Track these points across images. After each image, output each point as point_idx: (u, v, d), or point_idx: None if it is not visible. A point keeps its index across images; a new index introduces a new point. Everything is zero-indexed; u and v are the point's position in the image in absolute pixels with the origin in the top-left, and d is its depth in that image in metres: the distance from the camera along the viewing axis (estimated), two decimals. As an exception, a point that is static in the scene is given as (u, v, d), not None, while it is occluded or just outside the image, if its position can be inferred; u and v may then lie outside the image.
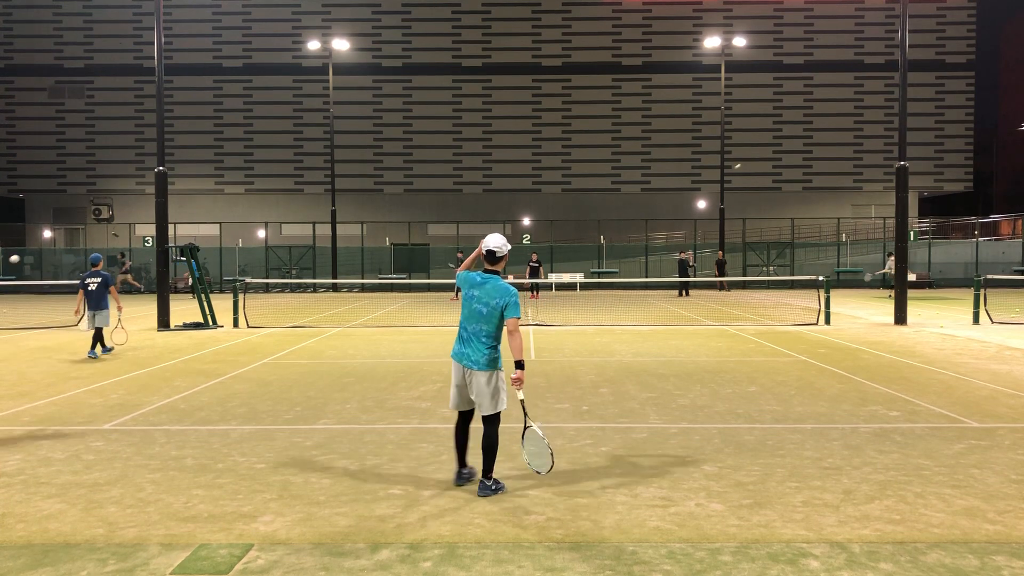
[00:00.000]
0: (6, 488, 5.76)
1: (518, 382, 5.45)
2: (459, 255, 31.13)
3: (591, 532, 4.80)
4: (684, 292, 30.65)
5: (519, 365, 5.44)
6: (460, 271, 5.92)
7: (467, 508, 5.26)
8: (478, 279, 5.61)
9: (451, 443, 6.86)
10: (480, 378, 5.48)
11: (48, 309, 24.27)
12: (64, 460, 6.51)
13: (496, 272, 5.66)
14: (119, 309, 13.74)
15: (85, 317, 14.10)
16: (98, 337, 13.07)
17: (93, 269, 13.60)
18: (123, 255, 34.53)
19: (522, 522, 4.97)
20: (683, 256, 30.93)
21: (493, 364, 5.50)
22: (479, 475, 5.67)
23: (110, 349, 13.53)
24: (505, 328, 5.49)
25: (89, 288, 13.31)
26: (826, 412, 8.22)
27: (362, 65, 45.26)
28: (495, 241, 5.69)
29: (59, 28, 45.79)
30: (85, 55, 45.88)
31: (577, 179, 46.05)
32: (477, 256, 5.93)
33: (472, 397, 5.57)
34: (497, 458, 6.46)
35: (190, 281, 24.10)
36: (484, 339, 5.49)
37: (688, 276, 30.05)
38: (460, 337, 5.62)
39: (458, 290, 5.72)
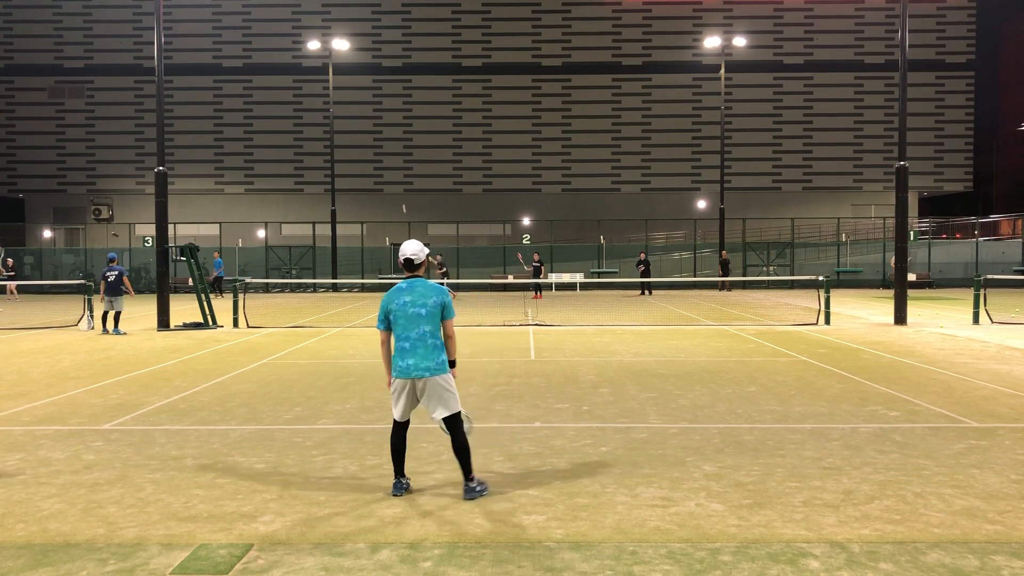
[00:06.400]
0: (6, 488, 5.76)
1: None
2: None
3: (591, 532, 4.80)
4: (650, 291, 31.60)
5: (452, 364, 5.53)
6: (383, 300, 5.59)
7: (467, 508, 5.25)
8: (404, 286, 5.49)
9: (451, 442, 6.87)
10: (435, 383, 5.36)
11: (48, 309, 24.27)
12: (64, 460, 6.51)
13: (418, 277, 5.57)
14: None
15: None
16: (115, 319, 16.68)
17: (111, 264, 16.93)
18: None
19: (522, 522, 4.97)
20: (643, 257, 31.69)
21: (443, 366, 5.42)
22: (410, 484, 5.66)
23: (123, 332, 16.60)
24: (443, 330, 5.48)
25: (109, 279, 16.60)
26: (826, 412, 8.22)
27: (362, 65, 45.26)
28: (411, 248, 5.57)
29: (59, 28, 45.79)
30: (85, 55, 45.88)
31: (577, 179, 46.05)
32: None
33: (425, 405, 5.43)
34: (496, 457, 6.47)
35: (191, 279, 24.42)
36: (430, 341, 5.38)
37: (648, 276, 30.69)
38: (402, 350, 5.40)
39: (388, 327, 5.51)
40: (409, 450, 6.73)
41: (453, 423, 5.44)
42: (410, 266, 5.55)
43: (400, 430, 5.59)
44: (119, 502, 5.42)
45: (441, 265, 29.58)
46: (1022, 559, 4.38)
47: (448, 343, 5.50)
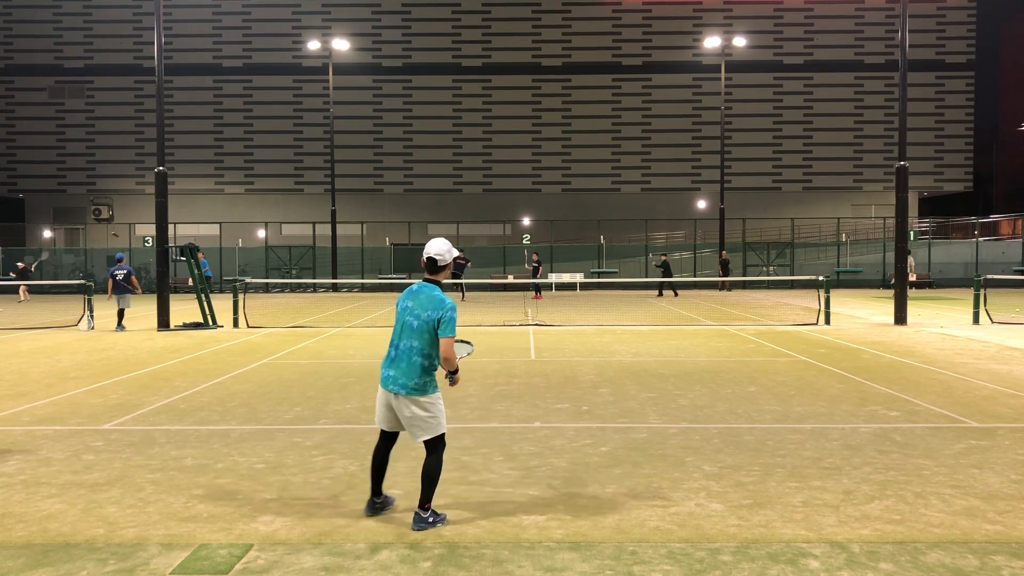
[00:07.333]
0: (6, 488, 5.75)
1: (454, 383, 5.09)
2: None
3: (591, 532, 4.80)
4: (662, 292, 30.98)
5: (454, 371, 4.97)
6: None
7: (467, 508, 5.24)
8: (414, 288, 5.04)
9: (450, 442, 6.88)
10: (410, 404, 4.86)
11: (48, 309, 24.27)
12: (64, 460, 6.51)
13: (436, 282, 5.04)
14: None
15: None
16: (120, 315, 17.47)
17: (119, 264, 17.89)
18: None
19: (522, 522, 4.97)
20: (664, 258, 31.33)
21: (424, 388, 4.86)
22: (393, 503, 5.25)
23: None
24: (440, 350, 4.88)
25: (117, 278, 17.60)
26: (826, 412, 8.22)
27: (362, 65, 45.26)
28: (436, 247, 5.04)
29: (59, 28, 45.78)
30: (85, 55, 45.86)
31: (577, 179, 46.04)
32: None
33: (403, 424, 4.96)
34: (496, 457, 6.46)
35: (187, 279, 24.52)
36: (415, 357, 4.85)
37: (670, 276, 30.34)
38: (388, 357, 4.98)
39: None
40: (408, 450, 6.71)
41: (430, 445, 4.94)
42: (432, 267, 5.04)
43: (382, 444, 5.12)
44: (119, 502, 5.42)
45: (457, 267, 29.45)
46: (1022, 559, 4.38)
47: (443, 364, 4.90)
